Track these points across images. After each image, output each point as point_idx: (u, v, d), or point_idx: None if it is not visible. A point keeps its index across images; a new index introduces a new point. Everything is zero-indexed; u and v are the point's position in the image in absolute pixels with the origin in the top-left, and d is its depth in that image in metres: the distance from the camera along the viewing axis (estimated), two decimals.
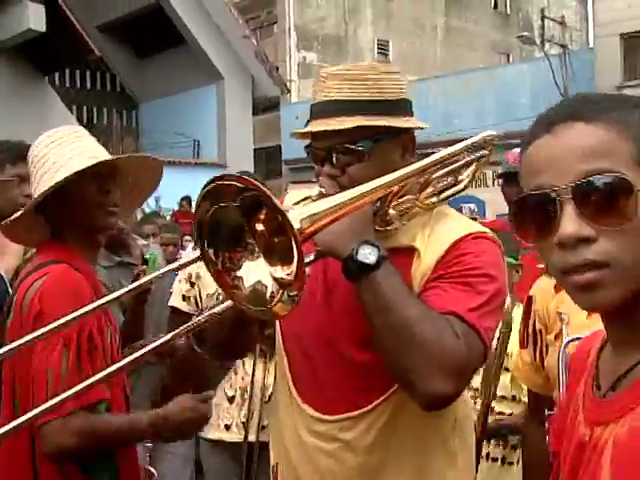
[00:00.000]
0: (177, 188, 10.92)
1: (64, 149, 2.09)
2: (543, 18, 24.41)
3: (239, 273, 1.41)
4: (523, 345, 2.44)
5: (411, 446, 1.74)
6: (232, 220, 1.38)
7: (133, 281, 3.33)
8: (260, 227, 1.38)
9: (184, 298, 3.57)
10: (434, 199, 1.80)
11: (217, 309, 1.55)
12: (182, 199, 13.01)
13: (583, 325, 2.19)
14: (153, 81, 17.34)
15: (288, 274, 1.33)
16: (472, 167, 1.85)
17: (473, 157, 1.84)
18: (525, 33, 20.12)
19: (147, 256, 3.75)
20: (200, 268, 3.52)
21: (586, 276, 0.97)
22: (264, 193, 1.30)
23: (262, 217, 1.36)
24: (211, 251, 1.40)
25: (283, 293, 1.35)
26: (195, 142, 16.91)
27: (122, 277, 3.58)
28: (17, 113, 10.97)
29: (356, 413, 1.74)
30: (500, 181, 4.21)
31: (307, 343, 1.81)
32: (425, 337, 1.54)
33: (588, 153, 0.99)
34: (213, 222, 1.38)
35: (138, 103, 18.54)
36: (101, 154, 2.12)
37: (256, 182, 1.31)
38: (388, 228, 1.74)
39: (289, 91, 19.71)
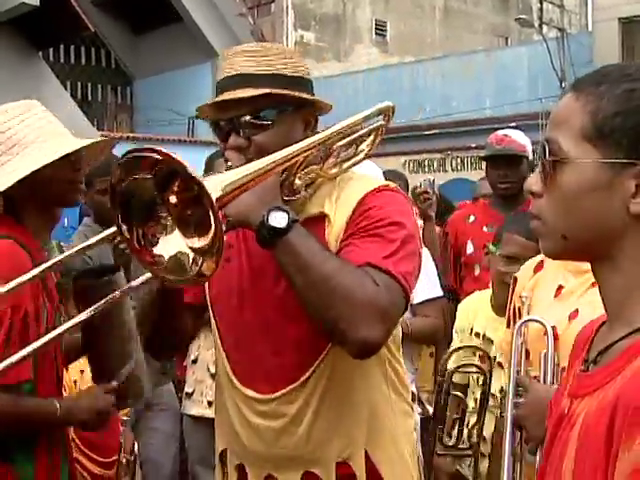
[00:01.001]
0: None
1: (31, 127, 2.08)
2: (542, 1, 24.27)
3: (156, 249, 1.45)
4: (507, 325, 2.48)
5: (352, 404, 1.84)
6: (145, 194, 1.42)
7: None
8: (173, 199, 1.42)
9: None
10: (336, 169, 1.89)
11: (136, 282, 1.63)
12: None
13: (544, 309, 2.19)
14: (148, 58, 17.25)
15: (207, 244, 1.38)
16: (371, 137, 1.95)
17: (371, 128, 1.94)
18: (524, 16, 19.95)
19: None
20: None
21: (532, 223, 1.14)
22: (179, 163, 1.34)
23: (175, 189, 1.41)
24: (126, 227, 1.44)
25: (203, 260, 1.40)
26: (190, 120, 16.83)
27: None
28: (10, 89, 10.83)
29: (294, 386, 1.81)
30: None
31: (238, 325, 1.88)
32: (346, 287, 1.63)
33: (553, 121, 1.11)
34: (127, 197, 1.42)
35: (133, 80, 18.46)
36: (69, 136, 2.14)
37: (169, 153, 1.35)
38: (295, 197, 1.81)
39: None
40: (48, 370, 2.09)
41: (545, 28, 21.94)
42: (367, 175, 2.03)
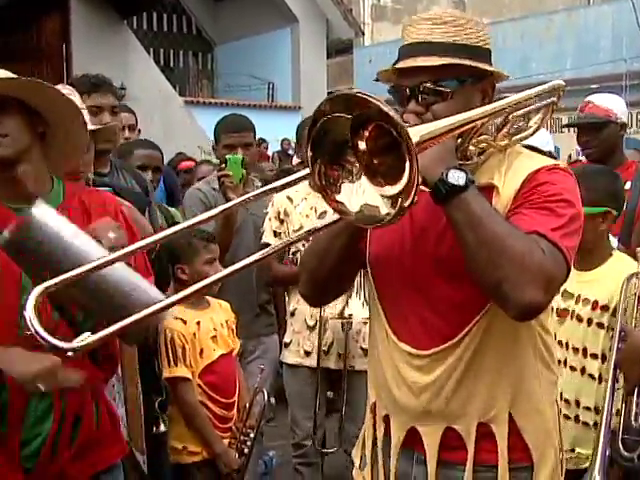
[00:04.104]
0: None
1: None
2: None
3: (340, 195, 1.58)
4: None
5: (500, 369, 1.88)
6: (339, 136, 1.54)
7: (218, 179, 3.55)
8: (363, 146, 1.55)
9: (275, 234, 3.75)
10: (507, 141, 1.93)
11: (321, 224, 1.73)
12: (258, 141, 13.22)
13: None
14: (228, 24, 17.41)
15: (399, 190, 1.50)
16: (540, 114, 2.00)
17: (544, 103, 1.99)
18: None
19: (228, 156, 3.70)
20: (287, 205, 3.72)
21: None
22: (381, 109, 1.45)
23: (367, 135, 1.54)
24: (320, 168, 1.58)
25: (394, 207, 1.52)
26: (270, 85, 17.00)
27: (219, 201, 3.72)
28: (99, 57, 11.13)
29: (448, 344, 1.88)
30: (574, 129, 4.29)
31: (397, 283, 1.96)
32: (516, 249, 1.67)
33: None
34: (322, 139, 1.54)
35: (213, 46, 18.65)
36: None
37: (375, 98, 1.46)
38: (468, 162, 1.86)
39: (363, 33, 19.56)
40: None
41: None
42: (536, 153, 2.05)
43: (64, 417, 2.10)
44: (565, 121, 12.03)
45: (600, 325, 2.84)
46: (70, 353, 1.47)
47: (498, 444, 1.89)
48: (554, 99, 2.00)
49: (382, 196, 1.55)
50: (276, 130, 14.24)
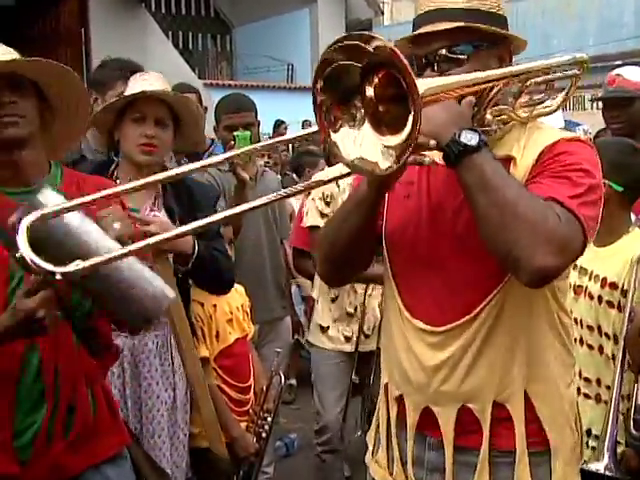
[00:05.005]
0: (271, 112, 11.06)
1: None
2: None
3: (340, 135, 1.57)
4: None
5: (516, 346, 1.85)
6: (348, 80, 1.53)
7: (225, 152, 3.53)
8: (370, 92, 1.54)
9: (322, 215, 3.72)
10: (527, 113, 1.89)
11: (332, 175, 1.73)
12: (276, 123, 13.21)
13: None
14: (247, 6, 17.35)
15: (401, 140, 1.48)
16: (563, 92, 1.96)
17: (565, 74, 1.94)
18: None
19: (236, 133, 3.63)
20: (334, 189, 3.71)
21: None
22: (397, 55, 1.44)
23: (376, 81, 1.52)
24: (326, 101, 1.56)
25: (392, 156, 1.50)
26: (289, 66, 16.96)
27: (227, 182, 3.72)
28: (118, 40, 11.16)
29: (462, 321, 1.85)
30: (599, 104, 4.19)
31: (412, 259, 1.93)
32: (528, 213, 1.62)
33: None
34: (331, 79, 1.53)
35: (232, 28, 18.62)
36: None
37: (388, 43, 1.45)
38: (486, 129, 1.82)
39: (382, 13, 19.42)
40: None
41: None
42: (556, 128, 2.01)
43: (57, 406, 2.07)
44: (588, 98, 11.92)
45: (610, 304, 2.78)
46: (58, 276, 1.46)
47: (515, 427, 1.86)
48: (577, 72, 1.94)
49: (383, 145, 1.53)
50: (296, 111, 14.17)
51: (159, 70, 3.03)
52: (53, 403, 2.07)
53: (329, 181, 1.67)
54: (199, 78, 14.52)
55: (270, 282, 3.99)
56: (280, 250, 4.10)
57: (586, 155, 1.80)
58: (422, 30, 1.83)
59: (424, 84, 1.53)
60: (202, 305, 3.18)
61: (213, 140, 4.26)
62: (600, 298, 2.81)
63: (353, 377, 3.89)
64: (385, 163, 1.53)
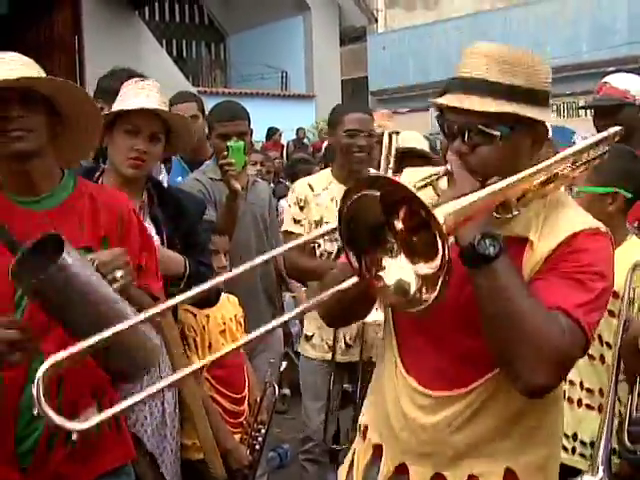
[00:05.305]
0: (265, 120, 11.07)
1: None
2: None
3: (383, 273, 1.58)
4: None
5: (505, 426, 1.82)
6: (372, 220, 1.53)
7: (220, 166, 3.52)
8: (399, 225, 1.54)
9: (295, 221, 3.69)
10: (547, 187, 1.83)
11: (344, 286, 1.67)
12: (270, 131, 13.22)
13: None
14: (241, 13, 17.38)
15: (432, 268, 1.48)
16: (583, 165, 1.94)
17: (594, 156, 1.95)
18: None
19: (230, 143, 3.57)
20: (308, 193, 3.70)
21: None
22: (410, 192, 1.45)
23: (402, 215, 1.52)
24: (353, 253, 1.58)
25: (428, 286, 1.50)
26: (283, 73, 16.98)
27: (218, 190, 3.70)
28: (111, 48, 11.16)
29: (455, 393, 1.82)
30: (592, 110, 4.17)
31: (416, 327, 1.89)
32: (535, 329, 1.61)
33: None
34: (353, 221, 1.54)
35: (226, 36, 18.65)
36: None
37: (399, 181, 1.47)
38: (507, 216, 1.78)
39: (376, 20, 19.45)
40: None
41: None
42: (579, 207, 1.91)
43: (61, 413, 2.06)
44: (582, 104, 11.95)
45: (611, 313, 2.74)
46: (75, 435, 1.53)
47: None
48: (604, 151, 1.94)
49: (416, 274, 1.53)
50: (290, 119, 14.23)
51: (153, 78, 3.00)
52: (57, 410, 2.05)
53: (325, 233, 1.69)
54: (193, 86, 14.52)
55: (260, 292, 3.95)
56: (271, 260, 4.07)
57: (604, 254, 1.76)
58: (461, 101, 1.73)
59: (443, 212, 1.50)
60: (195, 316, 3.16)
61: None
62: None
63: (345, 386, 3.83)
64: (419, 293, 1.52)
